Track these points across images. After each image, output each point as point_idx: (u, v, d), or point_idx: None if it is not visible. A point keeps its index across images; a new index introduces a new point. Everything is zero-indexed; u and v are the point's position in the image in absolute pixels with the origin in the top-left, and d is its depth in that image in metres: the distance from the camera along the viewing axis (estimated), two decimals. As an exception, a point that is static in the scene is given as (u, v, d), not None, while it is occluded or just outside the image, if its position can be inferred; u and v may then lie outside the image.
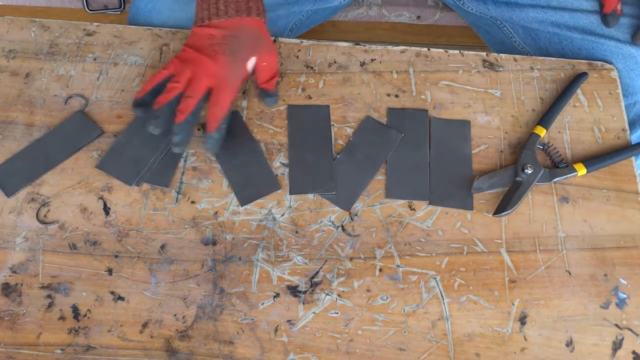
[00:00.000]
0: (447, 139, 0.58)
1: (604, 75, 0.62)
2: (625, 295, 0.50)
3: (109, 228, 0.53)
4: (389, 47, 0.64)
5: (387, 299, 0.50)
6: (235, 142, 0.57)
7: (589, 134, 0.59)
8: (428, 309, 0.50)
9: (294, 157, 0.56)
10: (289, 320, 0.49)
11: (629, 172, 0.56)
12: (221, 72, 0.53)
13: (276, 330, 0.49)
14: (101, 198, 0.54)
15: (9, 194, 0.54)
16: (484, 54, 0.63)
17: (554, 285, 0.51)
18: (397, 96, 0.60)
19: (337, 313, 0.50)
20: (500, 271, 0.51)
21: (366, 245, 0.52)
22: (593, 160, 0.55)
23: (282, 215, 0.54)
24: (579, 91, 0.61)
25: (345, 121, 0.59)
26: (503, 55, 0.63)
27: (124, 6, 0.99)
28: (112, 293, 0.50)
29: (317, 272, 0.51)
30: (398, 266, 0.51)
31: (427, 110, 0.59)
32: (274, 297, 0.50)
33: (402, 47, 0.64)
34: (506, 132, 0.59)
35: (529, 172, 0.54)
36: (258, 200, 0.54)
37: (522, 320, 0.49)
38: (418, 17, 0.95)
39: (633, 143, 0.58)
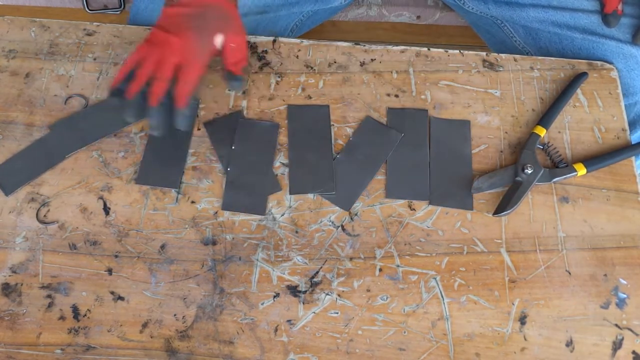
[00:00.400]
0: (447, 139, 0.58)
1: (604, 75, 0.62)
2: (625, 295, 0.50)
3: (109, 228, 0.53)
4: (389, 47, 0.64)
5: (387, 299, 0.50)
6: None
7: (589, 134, 0.58)
8: (428, 309, 0.50)
9: (294, 157, 0.56)
10: (289, 320, 0.49)
11: (629, 172, 0.56)
12: (187, 47, 0.52)
13: (276, 330, 0.49)
14: (101, 198, 0.54)
15: (8, 192, 0.54)
16: (484, 53, 0.63)
17: (554, 285, 0.51)
18: (397, 96, 0.60)
19: (337, 313, 0.50)
20: (500, 271, 0.51)
21: (366, 245, 0.52)
22: (593, 160, 0.55)
23: (282, 215, 0.54)
24: (579, 91, 0.61)
25: (345, 121, 0.59)
26: (503, 55, 0.63)
27: (124, 6, 0.99)
28: (112, 293, 0.50)
29: (317, 272, 0.51)
30: (398, 266, 0.51)
31: (427, 110, 0.59)
32: (274, 297, 0.50)
33: (402, 47, 0.63)
34: (506, 132, 0.58)
35: (529, 172, 0.54)
36: (258, 200, 0.54)
37: (522, 320, 0.49)
38: (418, 17, 0.94)
39: (633, 143, 0.58)
